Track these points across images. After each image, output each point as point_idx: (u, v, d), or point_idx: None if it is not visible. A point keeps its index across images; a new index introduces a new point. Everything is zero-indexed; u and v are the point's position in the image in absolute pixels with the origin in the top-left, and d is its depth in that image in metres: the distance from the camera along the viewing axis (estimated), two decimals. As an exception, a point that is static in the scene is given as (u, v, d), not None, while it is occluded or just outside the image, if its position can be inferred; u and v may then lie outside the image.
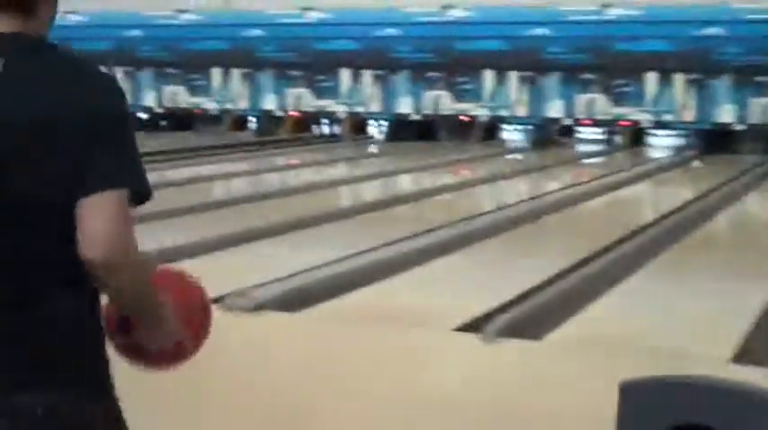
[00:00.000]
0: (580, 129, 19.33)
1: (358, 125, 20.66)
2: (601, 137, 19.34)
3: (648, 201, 13.49)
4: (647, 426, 2.72)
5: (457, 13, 19.13)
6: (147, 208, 2.04)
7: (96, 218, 1.86)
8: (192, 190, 12.55)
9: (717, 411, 2.67)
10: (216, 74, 21.11)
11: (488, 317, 5.78)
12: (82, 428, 1.96)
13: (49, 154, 1.87)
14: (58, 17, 2.07)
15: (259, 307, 5.96)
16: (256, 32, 20.28)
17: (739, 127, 17.85)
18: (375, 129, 20.77)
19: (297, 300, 6.23)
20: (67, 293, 1.93)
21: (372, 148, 19.39)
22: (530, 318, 5.87)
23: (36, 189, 1.88)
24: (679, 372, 2.82)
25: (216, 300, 6.09)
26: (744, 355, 5.32)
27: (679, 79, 18.05)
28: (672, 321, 6.14)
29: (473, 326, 5.68)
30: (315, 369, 4.98)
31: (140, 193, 1.94)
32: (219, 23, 20.37)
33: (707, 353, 5.30)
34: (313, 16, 19.93)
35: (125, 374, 2.10)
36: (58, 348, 1.93)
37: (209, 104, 21.33)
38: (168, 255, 7.61)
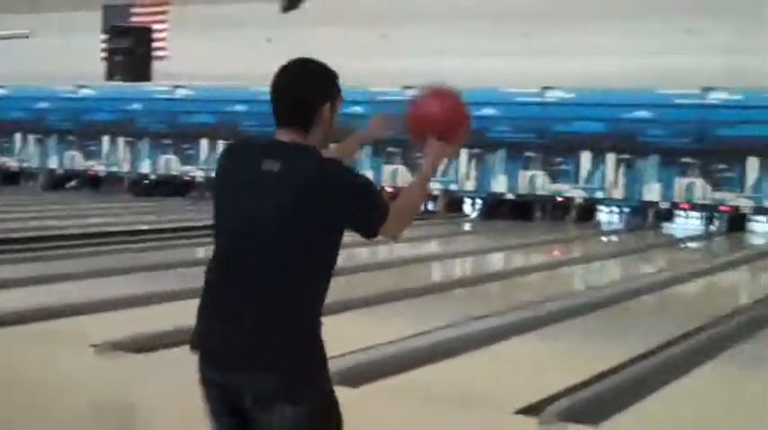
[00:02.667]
0: (680, 213, 19.11)
1: (453, 203, 20.75)
2: (699, 222, 19.09)
3: (743, 287, 13.20)
4: None
5: (556, 94, 19.22)
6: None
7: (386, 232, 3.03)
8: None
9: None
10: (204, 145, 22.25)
11: (551, 400, 5.73)
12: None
13: (304, 217, 2.90)
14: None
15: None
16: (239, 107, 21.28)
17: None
18: (469, 208, 20.87)
19: (357, 375, 6.27)
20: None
21: (466, 226, 19.43)
22: (593, 403, 5.81)
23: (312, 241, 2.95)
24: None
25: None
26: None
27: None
28: (739, 409, 6.00)
29: (536, 409, 5.63)
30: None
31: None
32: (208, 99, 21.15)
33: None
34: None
35: None
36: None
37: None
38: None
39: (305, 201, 2.89)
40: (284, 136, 3.02)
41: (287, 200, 2.89)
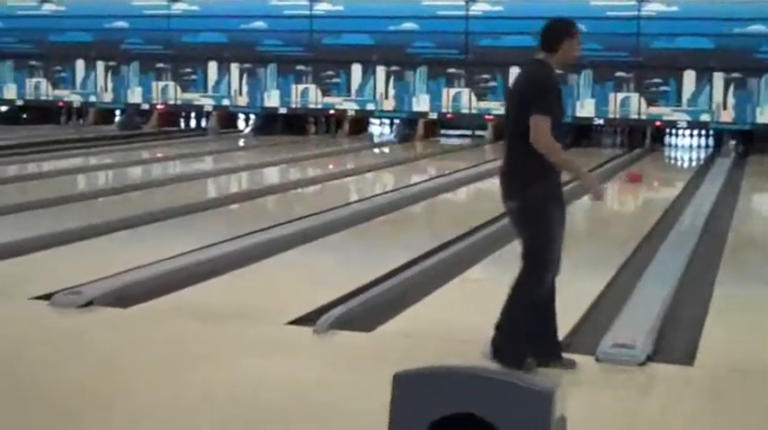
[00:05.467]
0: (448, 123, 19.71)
1: (226, 119, 20.57)
2: (467, 131, 19.81)
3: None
4: (419, 415, 2.82)
5: (325, 7, 19.20)
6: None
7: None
8: (53, 183, 12.36)
9: (485, 400, 2.79)
10: (80, 66, 20.83)
11: (326, 309, 5.86)
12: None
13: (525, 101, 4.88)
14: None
15: (89, 302, 5.96)
16: (120, 24, 20.04)
17: (598, 121, 18.43)
18: (243, 123, 20.78)
19: (129, 296, 6.25)
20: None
21: (240, 142, 19.32)
22: (367, 310, 5.97)
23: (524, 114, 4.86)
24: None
25: (47, 297, 6.09)
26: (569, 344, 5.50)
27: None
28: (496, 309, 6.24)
29: (310, 319, 5.75)
30: (142, 362, 5.02)
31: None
32: (83, 15, 20.11)
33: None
34: (180, 8, 19.78)
35: None
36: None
37: (73, 97, 21.02)
38: (22, 247, 7.59)
39: None
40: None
41: None
